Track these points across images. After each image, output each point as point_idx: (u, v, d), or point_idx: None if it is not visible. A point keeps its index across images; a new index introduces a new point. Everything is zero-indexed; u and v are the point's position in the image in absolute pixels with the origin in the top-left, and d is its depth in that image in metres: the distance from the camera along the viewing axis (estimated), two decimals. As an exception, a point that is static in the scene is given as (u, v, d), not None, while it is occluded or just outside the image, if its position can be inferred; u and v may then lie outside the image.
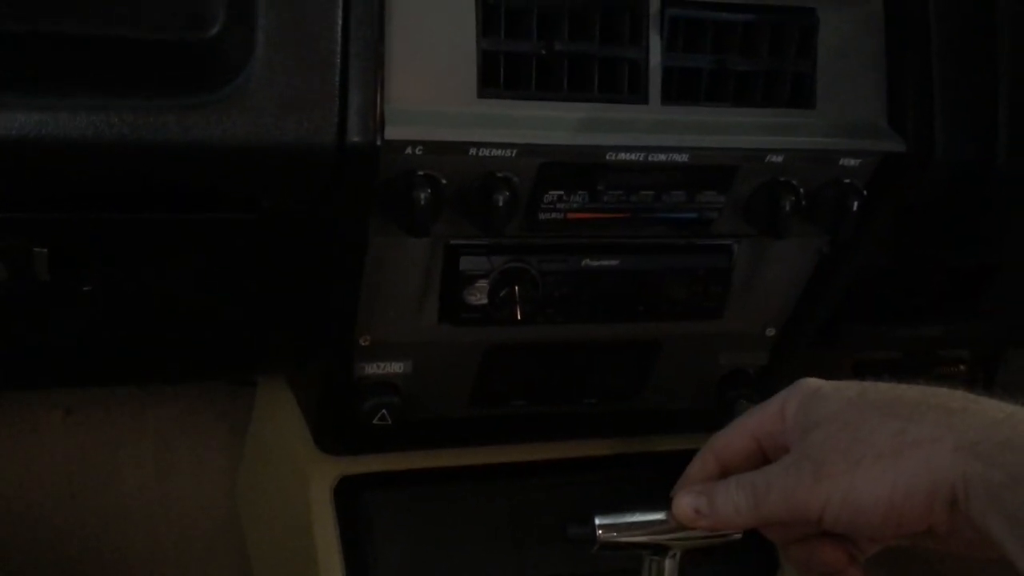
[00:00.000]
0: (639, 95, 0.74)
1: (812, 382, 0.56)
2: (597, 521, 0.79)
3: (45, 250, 0.69)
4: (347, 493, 0.90)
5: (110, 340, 0.81)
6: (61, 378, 0.89)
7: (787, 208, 0.78)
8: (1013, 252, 0.91)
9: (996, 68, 0.79)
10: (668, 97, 0.74)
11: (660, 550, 0.78)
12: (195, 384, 1.12)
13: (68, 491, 1.13)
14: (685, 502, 0.60)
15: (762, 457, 0.58)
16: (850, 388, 0.54)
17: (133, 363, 0.85)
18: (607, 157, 0.73)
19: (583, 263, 0.82)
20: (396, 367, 0.85)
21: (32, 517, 1.10)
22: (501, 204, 0.70)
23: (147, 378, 0.98)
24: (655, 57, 0.73)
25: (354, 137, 0.65)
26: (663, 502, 0.83)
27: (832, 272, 0.88)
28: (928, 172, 0.79)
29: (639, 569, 0.80)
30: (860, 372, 1.28)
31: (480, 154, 0.70)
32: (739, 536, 0.81)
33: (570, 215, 0.77)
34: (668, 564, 0.77)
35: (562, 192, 0.75)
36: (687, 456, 1.01)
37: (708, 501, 0.58)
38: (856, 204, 0.78)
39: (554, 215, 0.76)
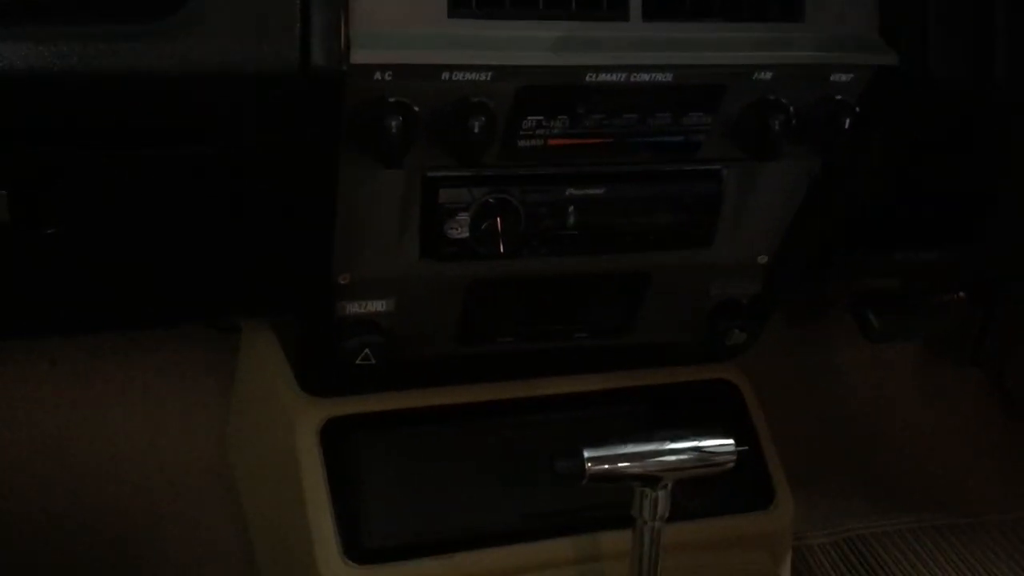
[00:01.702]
0: (619, 11, 0.70)
1: None
2: (586, 454, 0.77)
3: (4, 192, 0.66)
4: (334, 435, 0.88)
5: (84, 285, 0.79)
6: (39, 326, 0.87)
7: (777, 128, 0.75)
8: (1010, 177, 0.88)
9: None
10: (650, 13, 0.71)
11: (651, 481, 0.77)
12: (177, 329, 1.10)
13: (57, 442, 1.11)
14: None
15: None
16: None
17: (111, 308, 0.82)
18: (587, 78, 0.70)
19: (567, 192, 0.79)
20: (378, 305, 0.83)
21: (19, 469, 1.08)
22: (477, 130, 0.68)
23: (127, 324, 0.96)
24: None
25: (318, 61, 0.62)
26: (654, 434, 0.82)
27: (825, 197, 0.86)
28: (921, 87, 0.76)
29: (630, 502, 0.79)
30: (857, 304, 1.26)
31: (453, 78, 0.67)
32: (732, 466, 0.80)
33: (551, 141, 0.74)
34: (660, 495, 0.76)
35: (541, 117, 0.72)
36: (678, 389, 1.00)
37: None
38: (848, 122, 0.75)
39: (534, 142, 0.73)
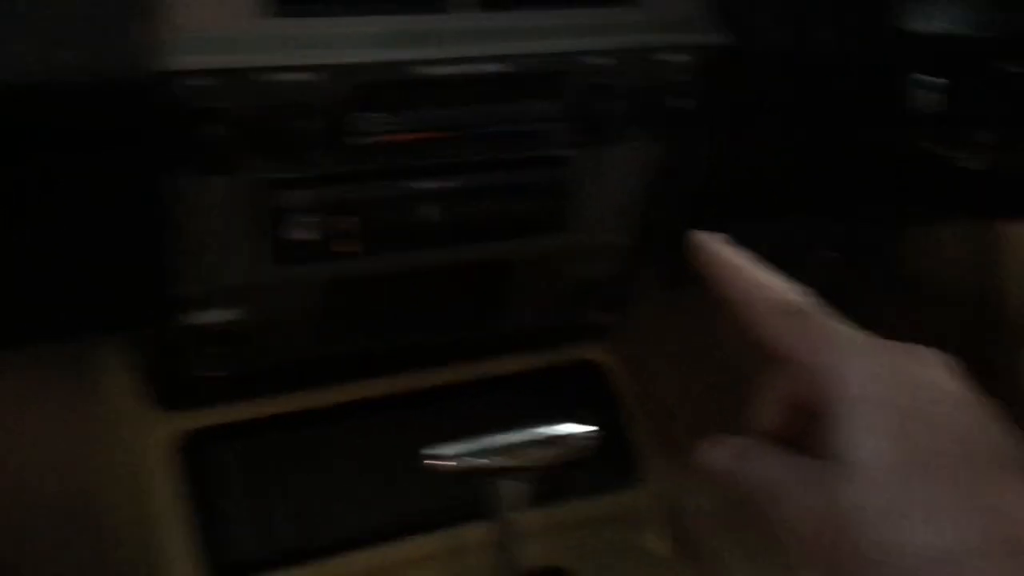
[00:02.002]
0: (452, 1, 0.69)
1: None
2: (448, 451, 0.77)
3: None
4: (191, 449, 0.85)
5: None
6: None
7: (616, 112, 0.75)
8: (851, 137, 0.90)
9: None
10: (484, 2, 0.69)
11: (508, 473, 0.77)
12: (25, 349, 1.05)
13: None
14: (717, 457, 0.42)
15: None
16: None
17: None
18: (419, 72, 0.69)
19: (415, 186, 0.77)
20: (228, 314, 0.80)
21: None
22: (304, 133, 0.65)
23: None
24: None
25: (122, 69, 0.59)
26: (518, 424, 0.82)
27: (673, 175, 0.86)
28: (753, 63, 0.77)
29: (494, 495, 0.79)
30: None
31: (273, 79, 0.64)
32: (591, 452, 0.80)
33: (387, 138, 0.72)
34: (517, 486, 0.76)
35: (375, 114, 0.70)
36: (545, 374, 1.00)
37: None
38: (686, 102, 0.76)
39: (370, 139, 0.71)
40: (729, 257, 0.45)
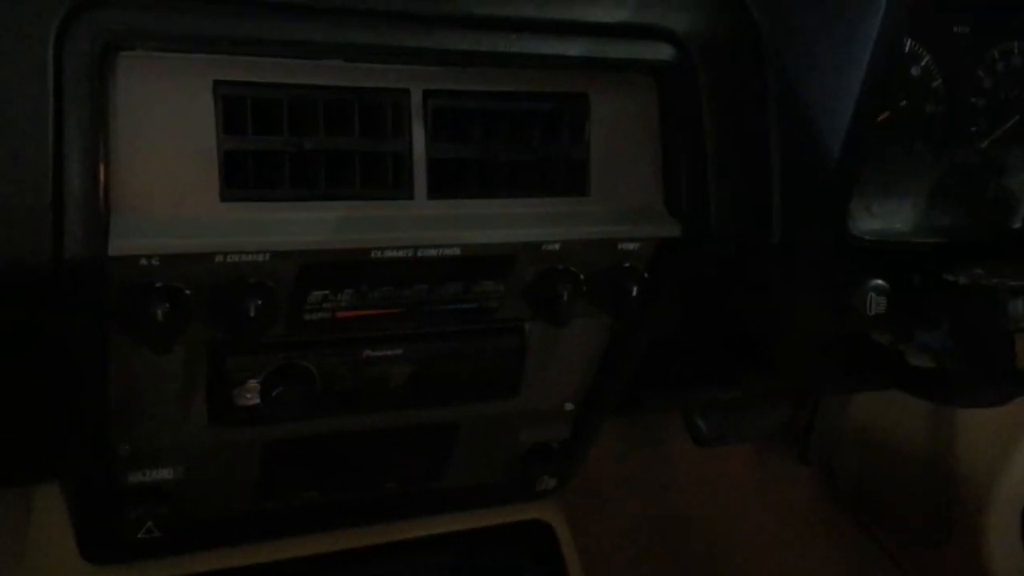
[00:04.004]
0: (404, 190, 0.70)
1: None
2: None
3: None
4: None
5: None
6: None
7: (566, 296, 0.76)
8: (788, 320, 0.92)
9: (768, 150, 0.80)
10: (435, 190, 0.71)
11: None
12: None
13: None
14: None
15: None
16: None
17: None
18: (373, 255, 0.70)
19: (364, 354, 0.78)
20: (165, 473, 0.79)
21: None
22: (253, 313, 0.66)
23: None
24: (419, 149, 0.70)
25: (72, 252, 0.59)
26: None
27: (623, 347, 0.87)
28: (703, 252, 0.79)
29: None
30: (684, 409, 1.29)
31: (228, 260, 0.65)
32: None
33: (339, 314, 0.72)
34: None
35: (327, 292, 0.71)
36: (492, 533, 0.99)
37: None
38: (636, 287, 0.77)
39: (320, 315, 0.72)
40: None
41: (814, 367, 1.00)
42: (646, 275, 0.78)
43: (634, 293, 0.77)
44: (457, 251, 0.72)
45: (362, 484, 0.89)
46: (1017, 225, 0.86)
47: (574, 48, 0.73)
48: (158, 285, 0.64)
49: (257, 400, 0.75)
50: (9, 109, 0.57)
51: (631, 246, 0.77)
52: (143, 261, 0.63)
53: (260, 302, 0.66)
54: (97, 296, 0.62)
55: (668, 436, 1.54)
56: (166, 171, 0.63)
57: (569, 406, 0.92)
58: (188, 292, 0.65)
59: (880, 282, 0.76)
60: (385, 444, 0.87)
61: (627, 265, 0.78)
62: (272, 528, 0.88)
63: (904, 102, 0.86)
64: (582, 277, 0.77)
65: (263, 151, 0.66)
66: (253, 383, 0.75)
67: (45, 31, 0.58)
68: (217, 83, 0.64)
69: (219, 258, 0.65)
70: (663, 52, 0.76)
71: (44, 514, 0.98)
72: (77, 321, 0.63)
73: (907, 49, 0.85)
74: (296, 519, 0.90)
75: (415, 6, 0.68)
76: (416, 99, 0.70)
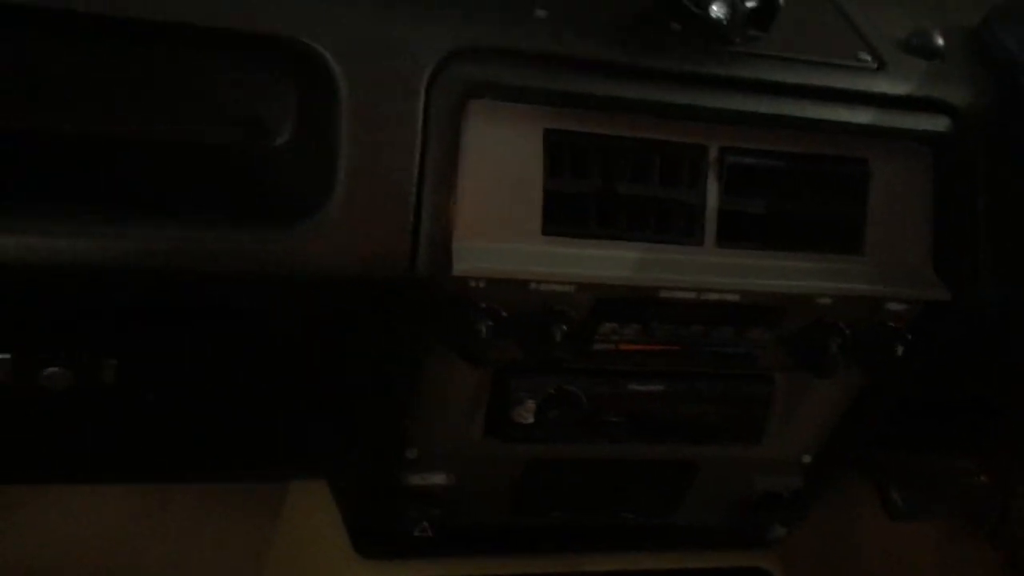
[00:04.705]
0: (695, 237, 0.76)
1: None
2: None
3: (115, 360, 0.71)
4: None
5: (156, 440, 0.83)
6: (108, 475, 0.91)
7: (833, 349, 0.80)
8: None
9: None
10: (723, 239, 0.77)
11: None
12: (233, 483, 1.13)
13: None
14: None
15: None
16: None
17: (182, 463, 0.87)
18: (661, 294, 0.76)
19: (629, 387, 0.84)
20: (440, 478, 0.86)
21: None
22: (559, 338, 0.73)
23: (196, 478, 1.00)
24: (712, 201, 0.76)
25: (423, 270, 0.68)
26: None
27: (870, 405, 0.90)
28: (968, 321, 0.81)
29: None
30: (880, 478, 1.29)
31: (541, 288, 0.72)
32: None
33: (622, 346, 0.79)
34: None
35: (616, 324, 0.77)
36: (720, 574, 1.02)
37: None
38: (901, 348, 0.80)
39: (607, 346, 0.78)
40: None
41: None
42: (910, 336, 0.81)
43: (899, 353, 0.80)
44: (737, 297, 0.77)
45: (603, 510, 0.95)
46: None
47: (859, 116, 0.78)
48: (483, 305, 0.72)
49: (531, 419, 0.82)
50: (387, 145, 0.67)
51: (899, 307, 0.81)
52: (472, 283, 0.71)
53: (565, 328, 0.73)
54: (434, 311, 0.70)
55: (854, 504, 1.52)
56: (498, 205, 0.71)
57: (806, 458, 0.95)
58: (504, 314, 0.73)
59: None
60: (628, 475, 0.92)
61: (892, 325, 0.81)
62: (520, 543, 0.95)
63: None
64: (848, 332, 0.80)
65: (578, 194, 0.73)
66: (531, 403, 0.82)
67: (419, 80, 0.67)
68: (547, 131, 0.72)
69: (533, 285, 0.72)
70: (941, 124, 0.80)
71: (301, 509, 1.08)
72: (415, 333, 0.72)
73: None
74: (542, 538, 0.96)
75: (718, 71, 0.75)
76: (713, 155, 0.76)
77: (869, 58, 0.80)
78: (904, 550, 1.54)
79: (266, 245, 0.64)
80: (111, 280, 0.63)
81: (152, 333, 0.70)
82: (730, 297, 0.77)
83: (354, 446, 0.85)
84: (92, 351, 0.70)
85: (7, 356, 0.69)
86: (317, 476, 0.98)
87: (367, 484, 0.89)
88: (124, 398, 0.75)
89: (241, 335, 0.74)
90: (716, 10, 0.72)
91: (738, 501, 0.97)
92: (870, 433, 0.95)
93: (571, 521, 0.94)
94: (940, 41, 0.82)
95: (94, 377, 0.71)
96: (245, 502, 1.15)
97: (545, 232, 0.72)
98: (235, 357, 0.76)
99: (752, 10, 0.74)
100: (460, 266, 0.69)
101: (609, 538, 0.97)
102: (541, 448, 0.86)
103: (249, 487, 1.13)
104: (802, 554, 1.38)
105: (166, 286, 0.64)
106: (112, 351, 0.71)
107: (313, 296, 0.67)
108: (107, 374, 0.72)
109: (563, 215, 0.73)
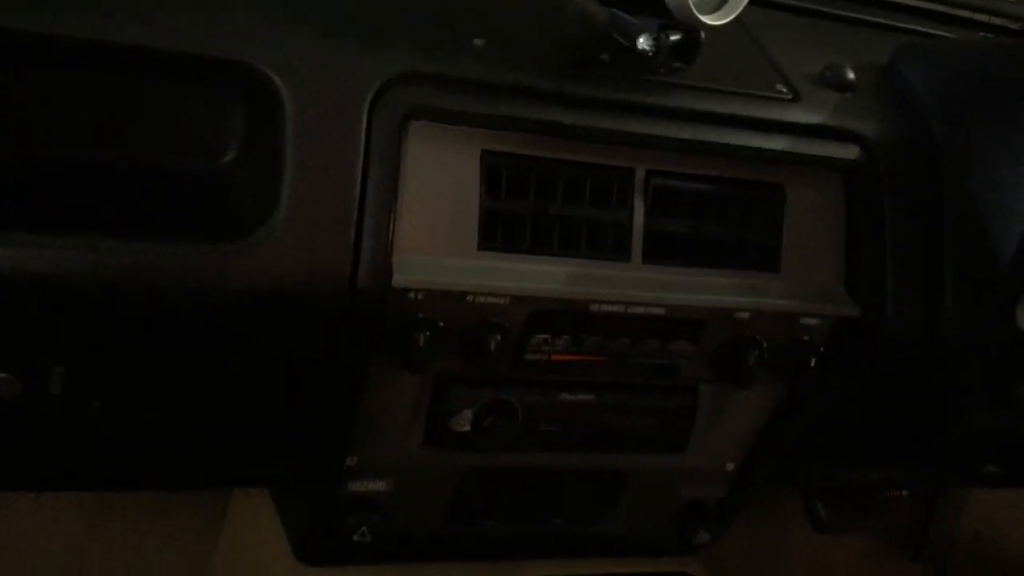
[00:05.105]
0: (623, 254, 0.81)
1: None
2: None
3: (62, 368, 0.73)
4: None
5: (100, 448, 0.85)
6: (52, 483, 0.92)
7: (751, 361, 0.85)
8: (954, 410, 0.98)
9: (943, 249, 0.88)
10: (648, 256, 0.82)
11: None
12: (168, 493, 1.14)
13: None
14: None
15: None
16: None
17: (126, 470, 0.88)
18: (591, 308, 0.80)
19: (561, 397, 0.88)
20: (380, 485, 0.89)
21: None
22: (493, 348, 0.77)
23: (139, 485, 1.01)
24: (639, 220, 0.81)
25: (364, 283, 0.71)
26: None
27: (790, 416, 0.95)
28: (877, 336, 0.87)
29: None
30: (807, 493, 1.35)
31: (476, 301, 0.76)
32: None
33: (554, 357, 0.83)
34: None
35: (548, 336, 0.81)
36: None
37: None
38: (814, 360, 0.86)
39: (539, 356, 0.83)
40: None
41: (977, 459, 1.05)
42: (822, 349, 0.86)
43: (811, 364, 0.86)
44: (662, 311, 0.82)
45: (534, 518, 0.98)
46: None
47: (775, 144, 0.84)
48: (421, 316, 0.75)
49: (468, 428, 0.86)
50: (330, 163, 0.70)
51: (813, 322, 0.86)
52: (411, 295, 0.74)
53: (499, 338, 0.77)
54: (376, 322, 0.74)
55: (782, 516, 1.58)
56: (437, 222, 0.75)
57: (730, 466, 1.00)
58: (441, 325, 0.76)
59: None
60: (561, 484, 0.96)
61: (807, 339, 0.87)
62: (458, 550, 0.98)
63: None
64: (765, 345, 0.86)
65: (513, 212, 0.77)
66: (468, 413, 0.86)
67: (362, 103, 0.71)
68: (485, 152, 0.76)
69: (470, 297, 0.76)
70: (852, 152, 0.87)
71: (243, 517, 1.10)
72: (356, 344, 0.75)
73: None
74: (479, 545, 0.99)
75: (645, 99, 0.80)
76: (639, 177, 0.81)
77: (785, 90, 0.86)
78: (830, 561, 1.61)
79: (209, 260, 0.67)
80: (54, 291, 0.65)
81: (97, 343, 0.72)
82: (655, 311, 0.82)
83: (295, 454, 0.87)
84: (40, 360, 0.72)
85: None
86: (259, 484, 1.00)
87: (308, 491, 0.91)
88: (70, 407, 0.77)
89: (184, 346, 0.76)
90: (643, 42, 0.78)
91: (665, 509, 1.01)
92: (793, 444, 1.00)
93: (503, 530, 0.97)
94: (852, 75, 0.89)
95: (41, 385, 0.73)
96: (188, 510, 1.16)
97: (481, 247, 0.77)
98: (178, 367, 0.79)
99: (676, 43, 0.79)
100: (399, 278, 0.73)
101: (542, 545, 1.01)
102: (478, 457, 0.90)
103: (191, 495, 1.15)
104: (730, 561, 1.43)
105: (109, 298, 0.67)
106: (59, 360, 0.73)
107: (257, 309, 0.70)
108: (54, 383, 0.74)
109: (499, 232, 0.77)
